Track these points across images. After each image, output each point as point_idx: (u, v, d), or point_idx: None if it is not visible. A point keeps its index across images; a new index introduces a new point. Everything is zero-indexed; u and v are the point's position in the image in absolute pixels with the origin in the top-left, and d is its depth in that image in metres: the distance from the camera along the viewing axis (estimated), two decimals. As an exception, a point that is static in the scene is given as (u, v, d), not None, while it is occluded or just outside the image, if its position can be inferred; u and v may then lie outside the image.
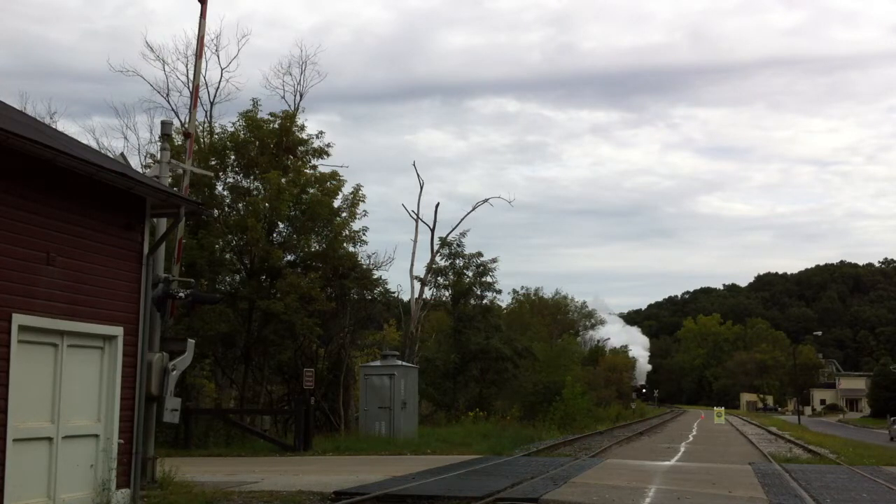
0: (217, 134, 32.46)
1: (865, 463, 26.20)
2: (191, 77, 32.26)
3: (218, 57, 35.40)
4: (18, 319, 10.51)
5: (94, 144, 32.26)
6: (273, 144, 31.13)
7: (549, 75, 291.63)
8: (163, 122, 17.80)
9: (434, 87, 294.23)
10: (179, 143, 26.20)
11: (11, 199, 10.58)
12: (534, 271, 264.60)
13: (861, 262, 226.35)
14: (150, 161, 31.05)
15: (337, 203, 31.93)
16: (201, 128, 32.67)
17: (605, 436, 42.90)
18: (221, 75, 35.04)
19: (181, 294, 15.03)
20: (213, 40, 34.64)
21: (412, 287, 44.76)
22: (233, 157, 31.04)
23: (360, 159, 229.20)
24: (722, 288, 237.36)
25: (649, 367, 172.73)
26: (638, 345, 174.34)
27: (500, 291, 52.44)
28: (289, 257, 31.22)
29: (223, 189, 31.06)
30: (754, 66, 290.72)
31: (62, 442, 11.35)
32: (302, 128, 32.31)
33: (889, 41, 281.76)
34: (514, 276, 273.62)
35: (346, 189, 32.39)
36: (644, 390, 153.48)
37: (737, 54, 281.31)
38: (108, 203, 12.28)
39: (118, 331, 12.40)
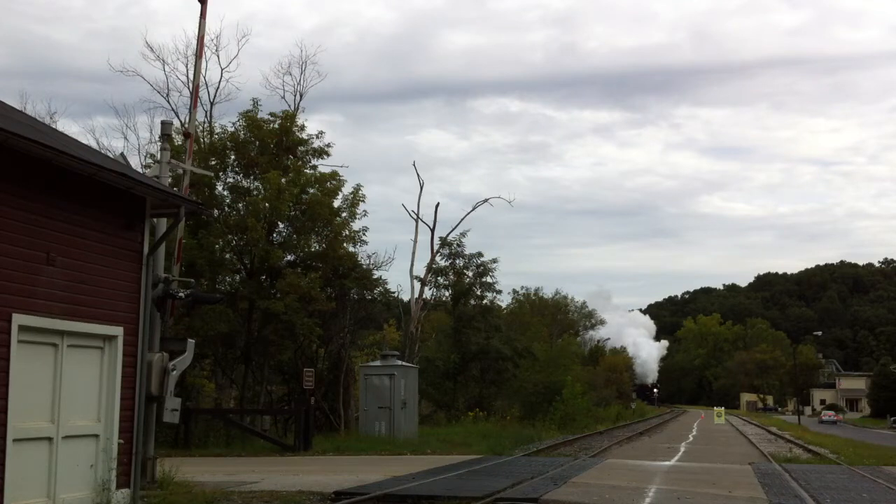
0: (217, 134, 32.46)
1: (865, 463, 26.21)
2: (191, 77, 32.29)
3: (218, 57, 35.43)
4: (18, 319, 10.51)
5: (94, 144, 32.27)
6: (273, 144, 31.12)
7: (552, 75, 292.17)
8: (163, 122, 17.79)
9: (437, 87, 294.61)
10: (179, 143, 26.18)
11: (11, 199, 10.58)
12: (534, 271, 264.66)
13: (861, 263, 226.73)
14: (150, 161, 31.04)
15: (337, 203, 31.93)
16: (201, 128, 32.67)
17: (605, 436, 42.92)
18: (221, 75, 35.09)
19: (181, 294, 15.03)
20: (213, 40, 34.67)
21: (412, 287, 44.81)
22: (233, 157, 31.03)
23: (362, 159, 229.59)
24: (722, 288, 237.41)
25: (659, 360, 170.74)
26: (641, 327, 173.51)
27: (500, 292, 52.48)
28: (289, 257, 31.20)
29: (223, 189, 31.07)
30: (757, 66, 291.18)
31: (62, 442, 11.34)
32: (302, 128, 32.34)
33: (892, 41, 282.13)
34: (515, 276, 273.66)
35: (347, 189, 32.43)
36: (655, 389, 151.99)
37: (740, 54, 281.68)
38: (108, 203, 12.27)
39: (118, 331, 12.39)
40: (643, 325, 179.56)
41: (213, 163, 30.15)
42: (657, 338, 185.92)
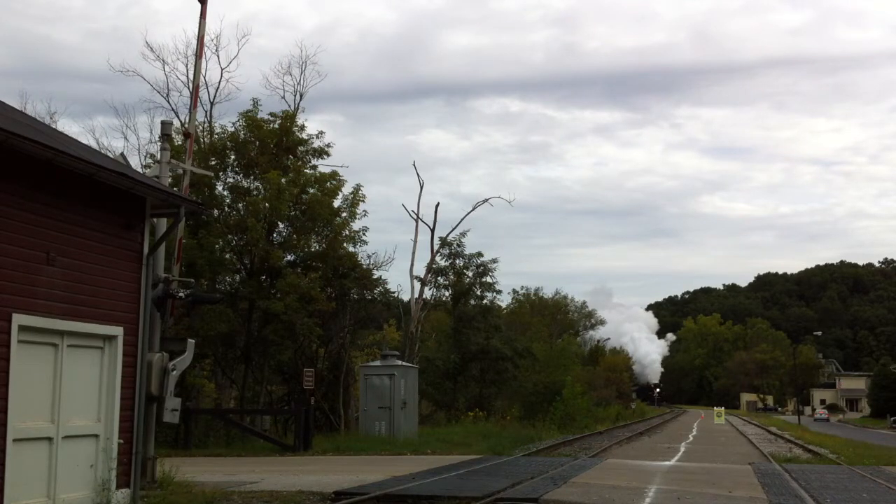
0: (217, 134, 32.47)
1: (865, 463, 26.20)
2: (191, 77, 32.31)
3: (218, 57, 35.49)
4: (18, 319, 10.51)
5: (94, 144, 32.31)
6: (273, 144, 31.12)
7: (553, 75, 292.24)
8: (163, 122, 17.79)
9: (437, 87, 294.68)
10: (179, 143, 26.20)
11: (11, 199, 10.58)
12: (534, 271, 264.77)
13: (861, 263, 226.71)
14: (150, 161, 31.08)
15: (337, 203, 31.94)
16: (201, 128, 32.68)
17: (605, 436, 42.91)
18: (221, 75, 35.13)
19: (181, 294, 15.03)
20: (213, 40, 34.74)
21: (412, 287, 44.80)
22: (233, 157, 31.03)
23: (362, 159, 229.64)
24: (722, 288, 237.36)
25: (662, 357, 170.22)
26: (640, 322, 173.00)
27: (500, 292, 52.37)
28: (289, 257, 31.20)
29: (223, 189, 31.07)
30: (758, 66, 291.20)
31: (62, 442, 11.34)
32: (302, 128, 32.34)
33: (893, 41, 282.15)
34: (515, 276, 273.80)
35: (347, 189, 32.44)
36: (658, 389, 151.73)
37: (741, 54, 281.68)
38: (108, 203, 12.27)
39: (118, 331, 12.40)
40: (643, 321, 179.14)
41: (213, 163, 30.15)
42: (659, 336, 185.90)
